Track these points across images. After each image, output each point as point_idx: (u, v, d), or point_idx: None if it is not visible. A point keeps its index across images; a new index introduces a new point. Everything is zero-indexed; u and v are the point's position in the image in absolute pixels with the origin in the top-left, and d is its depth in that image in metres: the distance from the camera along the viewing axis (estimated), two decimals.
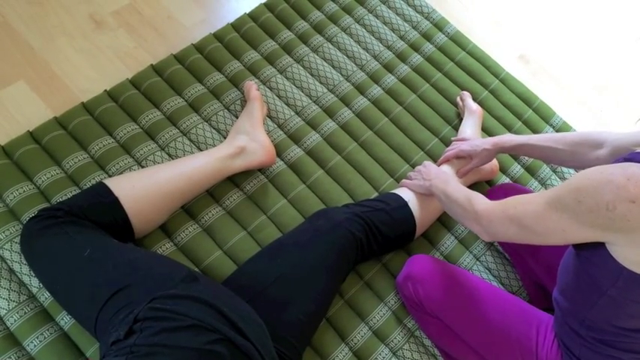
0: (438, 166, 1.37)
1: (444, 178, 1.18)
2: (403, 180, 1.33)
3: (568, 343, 0.94)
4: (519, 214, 0.88)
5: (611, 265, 0.79)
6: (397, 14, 1.75)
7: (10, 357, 1.05)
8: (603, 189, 0.73)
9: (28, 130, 1.32)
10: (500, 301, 1.07)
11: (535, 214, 0.85)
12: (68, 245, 0.97)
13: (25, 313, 1.10)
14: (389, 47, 1.67)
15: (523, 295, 1.32)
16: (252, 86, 1.43)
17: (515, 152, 1.27)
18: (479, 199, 1.00)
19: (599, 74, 1.89)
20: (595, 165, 1.09)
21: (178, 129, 1.39)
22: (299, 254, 1.10)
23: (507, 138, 1.26)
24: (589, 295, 0.86)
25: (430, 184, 1.20)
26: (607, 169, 0.75)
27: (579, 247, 0.86)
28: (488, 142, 1.29)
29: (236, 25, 1.62)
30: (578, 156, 1.12)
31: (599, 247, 0.80)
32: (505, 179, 1.49)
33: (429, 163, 1.31)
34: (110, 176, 1.27)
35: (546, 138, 1.18)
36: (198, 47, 1.55)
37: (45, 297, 1.12)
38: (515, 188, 1.34)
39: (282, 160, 1.41)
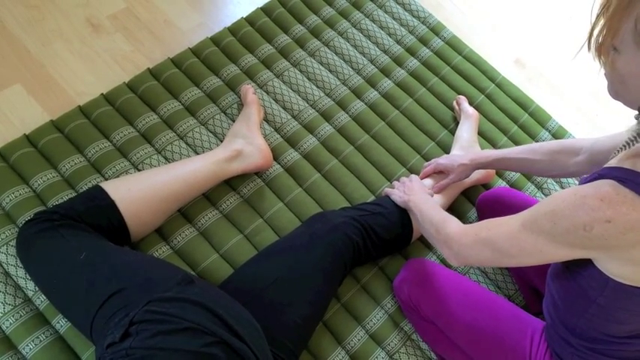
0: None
1: (423, 196, 1.17)
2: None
3: (559, 352, 0.94)
4: (493, 236, 0.86)
5: (597, 276, 0.78)
6: (394, 19, 1.76)
7: None
8: (578, 211, 0.72)
9: (25, 134, 1.32)
10: (495, 307, 1.07)
11: (510, 236, 0.83)
12: (64, 248, 0.96)
13: (21, 316, 1.09)
14: (385, 51, 1.68)
15: (519, 298, 1.32)
16: (248, 90, 1.43)
17: (493, 167, 1.26)
18: (452, 223, 0.98)
19: (595, 79, 1.89)
20: (575, 172, 1.08)
21: (175, 132, 1.39)
22: (295, 257, 1.10)
23: (485, 153, 1.26)
24: (578, 303, 0.85)
25: (408, 199, 1.19)
26: (580, 190, 0.74)
27: None
28: (466, 157, 1.28)
29: (233, 29, 1.62)
30: (557, 164, 1.11)
31: (584, 259, 0.79)
32: (501, 183, 1.50)
33: (415, 178, 1.30)
34: (106, 179, 1.27)
35: (523, 150, 1.17)
36: (195, 51, 1.55)
37: (41, 300, 1.12)
38: (510, 193, 1.33)
39: (279, 163, 1.41)
